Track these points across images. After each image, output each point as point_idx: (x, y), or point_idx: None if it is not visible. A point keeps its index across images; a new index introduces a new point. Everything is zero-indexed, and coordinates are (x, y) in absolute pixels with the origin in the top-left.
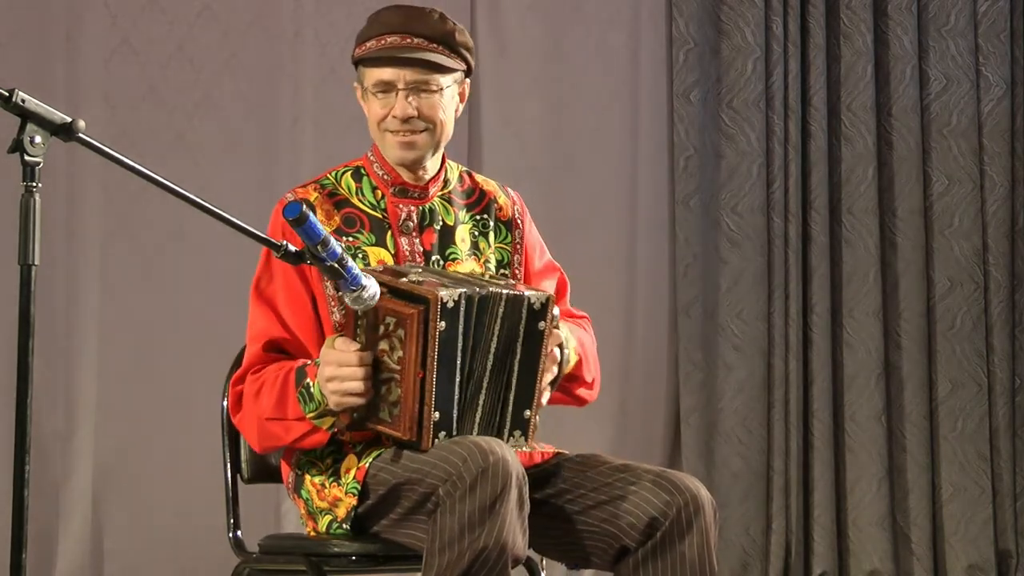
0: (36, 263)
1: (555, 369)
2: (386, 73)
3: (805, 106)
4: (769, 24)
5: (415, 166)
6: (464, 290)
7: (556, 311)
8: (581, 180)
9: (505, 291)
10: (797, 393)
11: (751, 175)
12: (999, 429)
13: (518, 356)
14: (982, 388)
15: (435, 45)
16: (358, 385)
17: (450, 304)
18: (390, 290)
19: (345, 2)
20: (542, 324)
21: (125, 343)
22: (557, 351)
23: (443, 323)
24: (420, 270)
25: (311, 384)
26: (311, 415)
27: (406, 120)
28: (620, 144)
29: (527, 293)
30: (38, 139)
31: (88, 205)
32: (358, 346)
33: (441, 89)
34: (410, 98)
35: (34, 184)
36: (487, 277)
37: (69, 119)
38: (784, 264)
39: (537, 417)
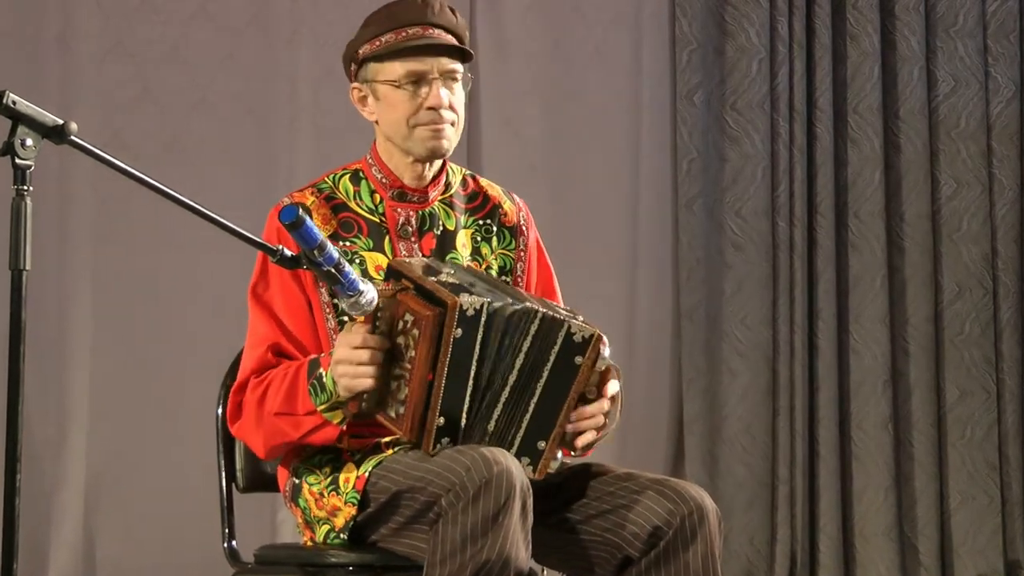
0: (27, 268)
1: (601, 417)
2: (421, 63)
3: (811, 108)
4: (774, 24)
5: (437, 158)
6: (489, 299)
7: (607, 352)
8: (582, 183)
9: (542, 310)
10: (802, 400)
11: (755, 178)
12: (1008, 437)
13: (543, 381)
14: (991, 395)
15: (450, 36)
16: (368, 369)
17: (470, 312)
18: (416, 288)
19: (343, 1)
20: (579, 359)
21: (118, 349)
22: (606, 403)
23: (459, 330)
24: (454, 270)
25: (323, 374)
26: (322, 407)
27: (440, 111)
28: (622, 146)
29: (569, 320)
30: (29, 142)
31: (80, 209)
32: (375, 331)
33: (460, 80)
34: (443, 88)
35: (25, 187)
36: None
37: (61, 121)
38: (789, 269)
39: (557, 454)
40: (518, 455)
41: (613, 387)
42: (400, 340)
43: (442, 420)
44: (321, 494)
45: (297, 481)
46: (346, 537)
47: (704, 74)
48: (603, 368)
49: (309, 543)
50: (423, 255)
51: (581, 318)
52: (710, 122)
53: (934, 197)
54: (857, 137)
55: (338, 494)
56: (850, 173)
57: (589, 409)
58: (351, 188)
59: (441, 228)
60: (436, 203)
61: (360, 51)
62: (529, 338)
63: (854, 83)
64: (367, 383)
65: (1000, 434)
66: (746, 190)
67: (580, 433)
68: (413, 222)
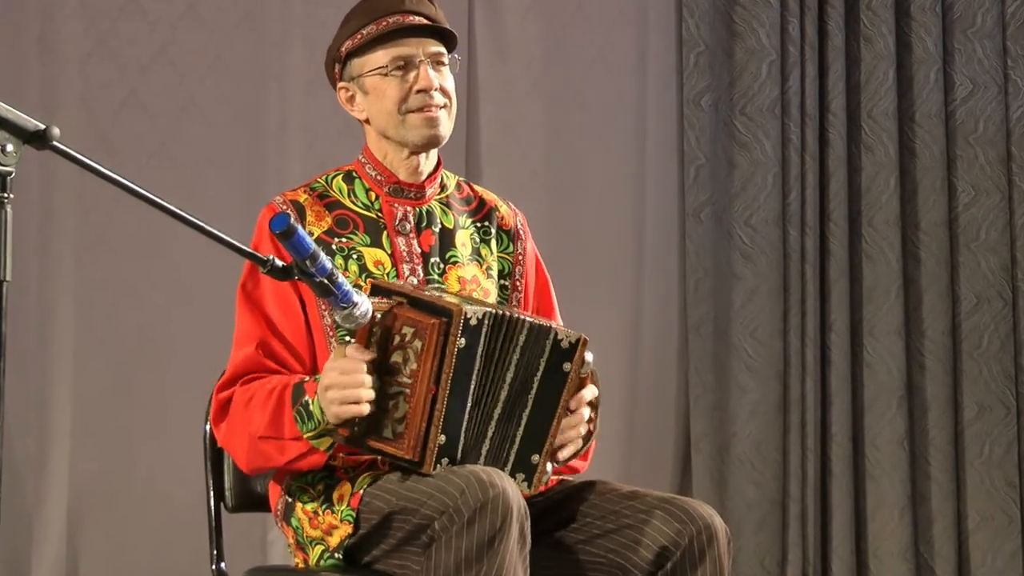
0: (8, 278)
1: (585, 426)
2: (406, 47)
3: (823, 112)
4: (785, 25)
5: (433, 145)
6: (489, 310)
7: (590, 357)
8: (585, 191)
9: (529, 319)
10: (814, 416)
11: (766, 185)
12: None
13: (533, 392)
14: (1010, 411)
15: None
16: (359, 393)
17: (473, 321)
18: (411, 300)
19: (335, 2)
20: (567, 365)
21: (102, 362)
22: (587, 411)
23: (463, 340)
24: (444, 287)
25: (310, 401)
26: (309, 435)
27: (430, 93)
28: (627, 153)
29: (555, 327)
30: (10, 147)
31: (63, 217)
32: (370, 356)
33: (449, 65)
34: (431, 70)
35: (5, 195)
36: (513, 305)
37: (43, 126)
38: (801, 279)
39: (549, 466)
40: (513, 471)
41: (592, 391)
42: (397, 356)
43: (443, 438)
44: (315, 512)
45: (290, 500)
46: (340, 557)
47: (712, 77)
48: (585, 374)
49: (301, 564)
50: (423, 251)
51: (559, 324)
52: (718, 127)
53: (951, 205)
54: (871, 142)
55: (333, 512)
56: (864, 180)
57: (572, 419)
58: (344, 187)
59: (440, 226)
60: (433, 201)
61: (342, 49)
62: (518, 349)
63: (868, 86)
64: (362, 410)
65: (1020, 452)
66: (756, 198)
67: (564, 444)
68: (411, 218)
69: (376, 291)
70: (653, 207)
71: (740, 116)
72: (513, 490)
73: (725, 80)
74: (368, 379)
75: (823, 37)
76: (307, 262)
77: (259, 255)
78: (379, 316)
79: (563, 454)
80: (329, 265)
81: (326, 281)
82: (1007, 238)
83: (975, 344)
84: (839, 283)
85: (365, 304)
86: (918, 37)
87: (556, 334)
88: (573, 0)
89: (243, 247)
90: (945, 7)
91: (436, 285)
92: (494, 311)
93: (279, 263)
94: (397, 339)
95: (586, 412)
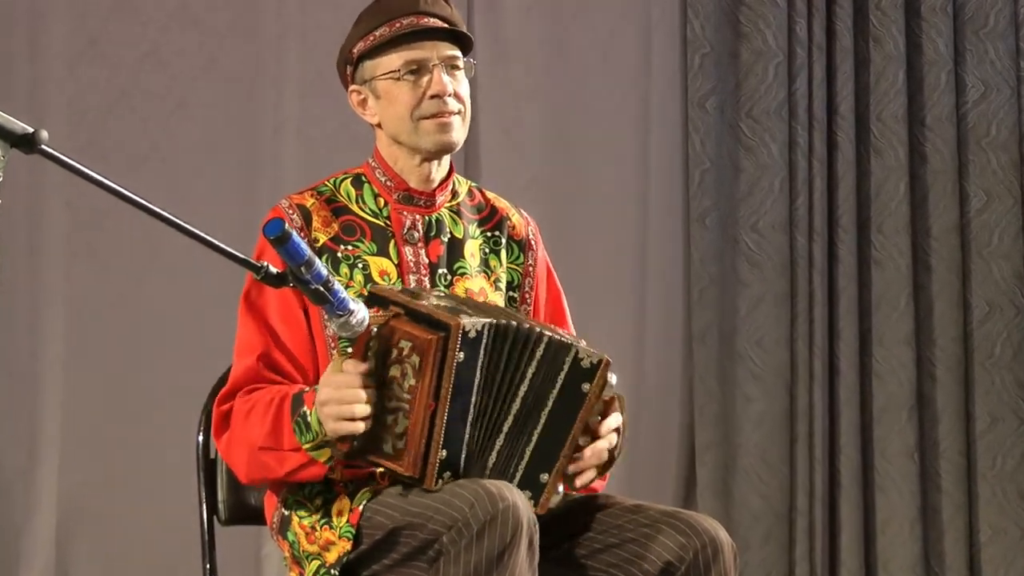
0: None
1: (605, 453)
2: (419, 50)
3: (831, 115)
4: (792, 26)
5: (446, 152)
6: (490, 320)
7: (613, 380)
8: (587, 195)
9: (548, 333)
10: (822, 427)
11: (772, 190)
12: None
13: (548, 409)
14: (1023, 422)
15: (446, 26)
16: (354, 409)
17: (472, 334)
18: (408, 312)
19: (332, 3)
20: (587, 386)
21: (92, 371)
22: (614, 437)
23: (462, 353)
24: (443, 294)
25: (308, 412)
26: (308, 446)
27: (444, 99)
28: (630, 156)
29: (577, 345)
30: None
31: (52, 223)
32: (365, 367)
33: (463, 69)
34: (445, 75)
35: None
36: (531, 316)
37: (31, 129)
38: (808, 286)
39: (559, 487)
40: (519, 488)
41: (616, 419)
42: (394, 370)
43: (444, 453)
44: (313, 528)
45: (287, 513)
46: (337, 573)
47: (717, 79)
48: (608, 397)
49: None
50: (431, 261)
51: (584, 343)
52: (724, 130)
53: (963, 210)
54: (880, 146)
55: (331, 527)
56: (873, 184)
57: (595, 446)
58: (353, 192)
59: (449, 235)
60: (443, 209)
61: (354, 50)
62: (535, 363)
63: (877, 88)
64: (358, 427)
65: None
66: (762, 203)
67: (581, 470)
68: (420, 227)
69: (373, 300)
70: (657, 212)
71: (746, 119)
72: (524, 503)
73: (731, 82)
74: (363, 394)
75: (831, 38)
76: (302, 269)
77: (253, 261)
78: (375, 329)
79: (581, 480)
80: (325, 272)
81: (321, 288)
82: (1020, 244)
83: (987, 353)
84: (847, 290)
85: (362, 312)
86: (928, 38)
87: (577, 352)
88: (575, 0)
89: (236, 253)
90: (956, 7)
91: (439, 291)
92: (496, 320)
93: (273, 270)
94: (395, 353)
95: (613, 439)
